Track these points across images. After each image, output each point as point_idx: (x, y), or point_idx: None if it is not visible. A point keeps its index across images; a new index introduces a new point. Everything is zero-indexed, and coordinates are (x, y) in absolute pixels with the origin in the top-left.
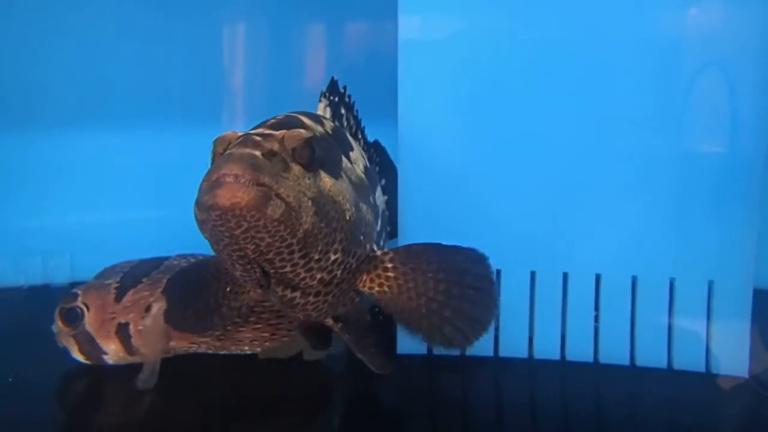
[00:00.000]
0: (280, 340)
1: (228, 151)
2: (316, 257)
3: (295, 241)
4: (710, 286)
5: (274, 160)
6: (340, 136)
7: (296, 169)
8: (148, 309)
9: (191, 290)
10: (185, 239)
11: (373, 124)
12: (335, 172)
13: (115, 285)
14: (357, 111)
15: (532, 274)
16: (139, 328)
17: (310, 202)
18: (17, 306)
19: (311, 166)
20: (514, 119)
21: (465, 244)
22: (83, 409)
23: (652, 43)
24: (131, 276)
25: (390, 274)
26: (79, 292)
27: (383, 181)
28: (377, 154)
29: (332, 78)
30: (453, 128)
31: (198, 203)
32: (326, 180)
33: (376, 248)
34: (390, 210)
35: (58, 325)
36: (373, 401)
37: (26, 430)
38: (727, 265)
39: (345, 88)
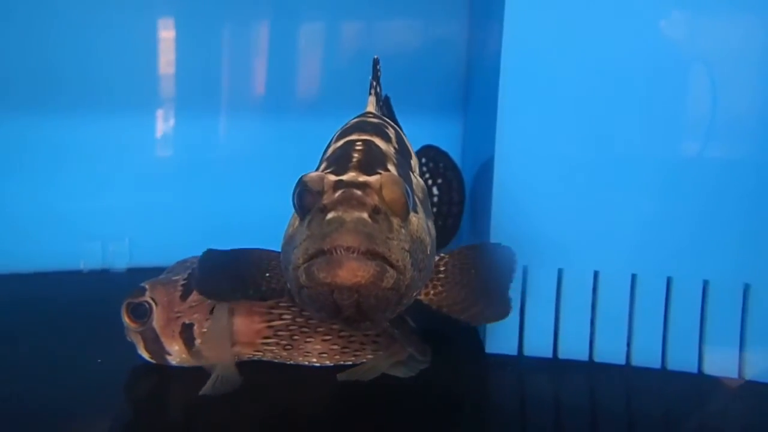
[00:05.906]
0: (353, 354)
1: (336, 215)
2: (406, 301)
3: (397, 297)
4: None
5: (380, 219)
6: (402, 145)
7: (396, 222)
8: (212, 311)
9: (228, 265)
10: (250, 229)
11: (433, 117)
12: (414, 204)
13: (182, 282)
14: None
15: (633, 276)
16: (203, 330)
17: (408, 256)
18: (79, 290)
19: (406, 215)
20: (612, 122)
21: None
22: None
23: (722, 56)
24: None
25: (441, 276)
26: (147, 286)
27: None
28: (386, 109)
29: (374, 59)
30: (553, 130)
31: (310, 275)
32: (413, 221)
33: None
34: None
35: (125, 321)
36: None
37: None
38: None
39: (376, 59)
